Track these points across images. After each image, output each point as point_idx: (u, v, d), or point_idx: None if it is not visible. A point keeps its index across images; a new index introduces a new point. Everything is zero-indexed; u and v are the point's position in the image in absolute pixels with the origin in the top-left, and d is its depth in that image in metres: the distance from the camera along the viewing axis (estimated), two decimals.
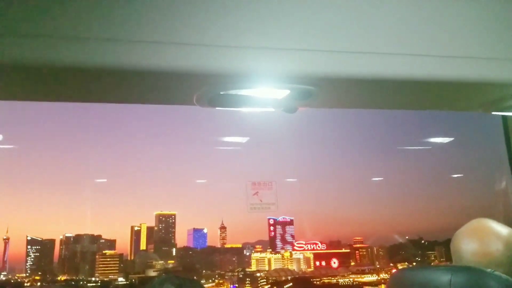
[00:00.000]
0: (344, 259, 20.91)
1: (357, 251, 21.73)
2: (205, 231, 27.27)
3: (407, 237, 27.16)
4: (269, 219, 21.36)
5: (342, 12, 0.91)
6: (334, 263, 20.34)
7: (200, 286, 1.03)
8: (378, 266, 21.35)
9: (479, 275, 0.99)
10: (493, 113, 1.18)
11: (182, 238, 26.42)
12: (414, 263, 22.06)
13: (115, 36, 0.78)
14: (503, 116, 1.73)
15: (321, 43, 0.88)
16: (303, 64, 0.86)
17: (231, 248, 23.79)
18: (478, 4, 0.99)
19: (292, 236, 21.09)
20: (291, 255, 19.80)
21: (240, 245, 24.17)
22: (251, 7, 0.86)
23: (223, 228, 26.09)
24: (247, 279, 18.58)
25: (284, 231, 21.23)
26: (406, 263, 21.73)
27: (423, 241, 25.28)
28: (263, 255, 20.22)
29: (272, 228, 21.17)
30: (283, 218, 21.36)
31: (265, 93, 0.95)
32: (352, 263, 21.18)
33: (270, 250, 20.46)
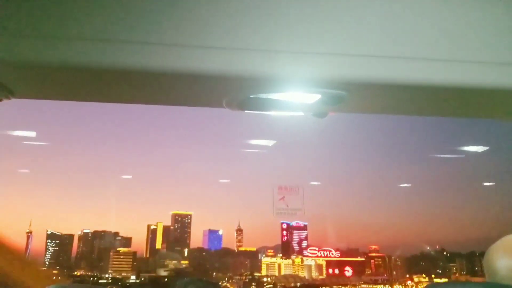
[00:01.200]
0: (358, 267, 20.39)
1: (372, 260, 21.13)
2: (220, 232, 27.38)
3: (428, 248, 26.39)
4: (282, 223, 21.13)
5: (374, 17, 0.91)
6: (348, 271, 19.87)
7: None
8: (393, 276, 20.65)
9: None
10: None
11: (197, 238, 26.66)
12: (433, 275, 21.26)
13: (151, 39, 0.81)
14: None
15: (353, 48, 0.89)
16: (334, 68, 0.87)
17: (245, 251, 23.72)
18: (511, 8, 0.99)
19: (305, 242, 20.76)
20: (302, 261, 19.49)
21: (254, 249, 24.06)
22: (282, 11, 0.87)
23: (239, 230, 26.09)
24: (253, 283, 18.39)
25: (297, 237, 20.92)
26: (424, 274, 20.96)
27: (445, 253, 24.42)
28: (273, 260, 20.03)
29: (285, 232, 20.92)
30: (297, 223, 21.07)
31: (295, 97, 0.95)
32: (368, 272, 20.60)
33: (281, 255, 20.20)
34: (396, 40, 0.91)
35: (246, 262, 21.78)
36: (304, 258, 19.44)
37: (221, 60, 0.83)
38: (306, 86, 0.90)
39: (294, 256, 19.74)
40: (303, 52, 0.86)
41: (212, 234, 26.67)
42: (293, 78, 0.86)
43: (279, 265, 19.60)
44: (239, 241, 25.65)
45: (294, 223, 21.16)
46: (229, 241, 25.69)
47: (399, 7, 0.94)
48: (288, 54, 0.86)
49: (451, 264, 22.39)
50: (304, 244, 20.75)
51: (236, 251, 23.93)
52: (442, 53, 0.93)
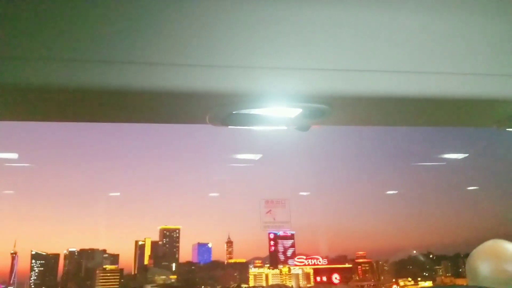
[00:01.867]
0: (346, 274, 20.50)
1: (359, 266, 21.29)
2: (209, 245, 27.16)
3: (415, 252, 26.61)
4: (269, 233, 21.15)
5: (353, 31, 0.92)
6: (336, 278, 19.96)
7: None
8: (379, 281, 20.82)
9: None
10: (508, 129, 1.20)
11: (187, 252, 26.42)
12: (419, 278, 21.49)
13: (132, 59, 0.81)
14: None
15: (333, 62, 0.89)
16: (314, 83, 0.88)
17: (235, 263, 23.59)
18: (492, 20, 1.00)
19: (293, 251, 20.83)
20: (289, 270, 19.53)
21: (244, 260, 23.96)
22: (262, 27, 0.88)
23: (229, 242, 25.95)
24: None
25: (285, 246, 20.98)
26: (409, 278, 21.19)
27: (431, 256, 24.66)
28: (261, 270, 20.01)
29: (272, 242, 20.95)
30: (284, 232, 21.13)
31: (277, 112, 0.97)
32: (356, 278, 20.74)
33: (268, 265, 20.22)
34: (374, 54, 0.92)
35: (235, 274, 21.70)
36: (292, 267, 19.48)
37: (203, 77, 0.83)
38: (287, 101, 0.90)
39: (281, 266, 19.77)
40: (283, 68, 0.87)
41: (201, 247, 26.45)
42: (274, 93, 0.87)
43: (267, 276, 19.61)
44: (229, 253, 25.49)
45: (281, 233, 21.21)
46: (219, 253, 25.50)
47: (376, 22, 0.95)
48: (268, 70, 0.86)
49: (437, 267, 22.65)
50: (292, 253, 20.82)
51: (226, 263, 23.84)
52: (421, 65, 0.94)
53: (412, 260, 24.12)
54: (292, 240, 21.62)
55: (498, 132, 1.32)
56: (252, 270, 20.11)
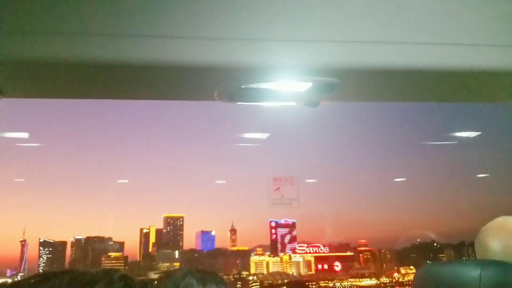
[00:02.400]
0: (347, 262, 20.55)
1: (361, 254, 21.31)
2: (213, 233, 27.49)
3: (419, 240, 26.54)
4: (270, 221, 21.29)
5: (363, 2, 0.91)
6: (337, 266, 20.03)
7: (220, 278, 1.05)
8: (381, 269, 20.84)
9: (509, 269, 1.01)
10: None
11: (191, 240, 26.78)
12: (412, 266, 21.47)
13: (135, 31, 0.80)
14: None
15: (343, 34, 0.89)
16: (325, 55, 0.87)
17: (238, 251, 23.84)
18: None
19: (294, 239, 20.94)
20: (290, 258, 19.64)
21: (247, 248, 24.19)
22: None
23: (233, 230, 26.21)
24: (238, 282, 18.54)
25: (286, 234, 21.10)
26: (411, 266, 21.16)
27: (435, 244, 24.61)
28: (262, 258, 20.15)
29: (273, 231, 21.08)
30: (285, 220, 21.24)
31: (286, 87, 0.95)
32: (357, 266, 20.79)
33: (269, 253, 20.36)
34: (386, 25, 0.91)
35: (238, 262, 21.94)
36: (292, 255, 19.59)
37: (211, 50, 0.82)
38: (297, 75, 0.89)
39: (282, 254, 19.91)
40: (293, 40, 0.86)
41: (205, 235, 26.80)
42: (283, 67, 0.86)
43: (267, 263, 19.74)
44: (233, 241, 25.78)
45: (282, 221, 21.32)
46: (223, 241, 25.80)
47: None
48: (278, 42, 0.86)
49: (440, 255, 22.58)
50: (293, 241, 20.93)
51: (229, 251, 24.11)
52: (433, 36, 0.93)
53: (416, 248, 24.12)
54: (294, 228, 21.78)
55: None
56: (253, 258, 20.26)
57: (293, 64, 0.85)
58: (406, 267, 20.81)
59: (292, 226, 21.24)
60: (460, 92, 1.10)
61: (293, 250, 20.39)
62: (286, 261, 19.46)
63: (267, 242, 22.55)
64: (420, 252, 23.68)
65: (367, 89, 1.02)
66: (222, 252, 24.28)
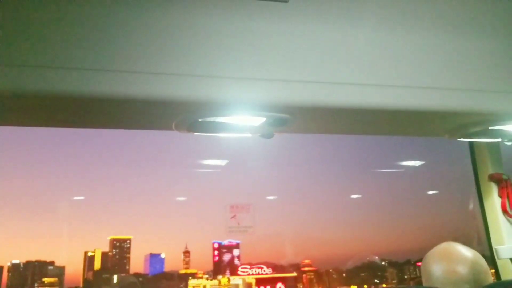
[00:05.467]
0: (290, 283, 20.41)
1: (304, 275, 21.23)
2: (162, 256, 26.80)
3: (368, 259, 26.81)
4: (213, 243, 20.98)
5: (314, 45, 0.97)
6: (280, 287, 19.84)
7: None
8: None
9: None
10: (458, 139, 1.26)
11: (140, 263, 25.94)
12: (365, 286, 21.61)
13: (97, 65, 0.82)
14: (469, 141, 1.82)
15: (295, 74, 0.94)
16: (277, 93, 0.92)
17: (185, 274, 23.30)
18: (444, 37, 1.06)
19: (238, 260, 20.66)
20: (229, 280, 19.33)
21: (195, 271, 23.68)
22: (228, 39, 0.91)
23: (187, 252, 25.66)
24: None
25: (229, 255, 20.81)
26: (355, 286, 21.25)
27: (383, 263, 24.90)
28: (199, 281, 19.76)
29: (216, 252, 20.75)
30: (229, 241, 20.97)
31: (242, 120, 0.99)
32: (300, 287, 20.68)
33: (207, 276, 20.00)
34: (333, 67, 0.96)
35: (181, 285, 21.38)
36: (231, 278, 19.31)
37: (170, 85, 0.85)
38: (251, 110, 0.94)
39: (221, 276, 19.58)
40: (248, 78, 0.90)
41: (154, 258, 26.07)
42: (239, 102, 0.90)
43: (204, 286, 19.38)
44: (186, 263, 25.21)
45: (226, 242, 21.06)
46: (175, 264, 25.18)
47: (335, 37, 0.98)
48: (234, 80, 0.89)
49: (386, 273, 22.84)
50: (236, 262, 20.66)
51: (176, 274, 23.49)
52: (377, 79, 0.98)
53: (365, 267, 24.33)
54: (238, 249, 21.52)
55: (449, 141, 1.37)
56: (192, 282, 19.84)
57: (247, 100, 0.90)
58: (345, 286, 20.90)
59: (236, 247, 21.02)
60: (403, 127, 1.18)
61: (235, 272, 20.11)
62: (225, 284, 19.13)
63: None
64: (369, 271, 23.90)
65: (317, 124, 1.09)
66: (169, 276, 23.63)
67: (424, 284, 1.23)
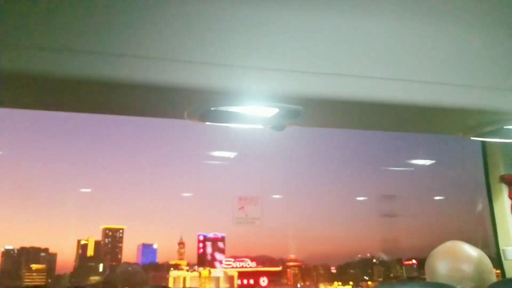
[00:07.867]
0: (274, 277, 20.39)
1: (289, 269, 21.18)
2: (155, 246, 27.06)
3: (359, 256, 26.66)
4: (198, 235, 21.06)
5: (331, 36, 0.95)
6: (264, 281, 19.85)
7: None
8: (306, 284, 20.74)
9: None
10: (472, 138, 1.25)
11: (133, 253, 26.22)
12: (351, 282, 21.49)
13: (110, 49, 0.81)
14: (482, 141, 1.80)
15: (310, 65, 0.93)
16: (291, 84, 0.91)
17: (175, 264, 23.50)
18: (462, 34, 1.04)
19: (222, 253, 20.72)
20: (209, 273, 19.40)
21: (185, 262, 23.87)
22: (244, 28, 0.91)
23: (181, 243, 25.86)
24: None
25: (214, 248, 20.87)
26: (339, 282, 21.16)
27: (374, 260, 24.73)
28: (180, 273, 19.88)
29: (201, 245, 20.84)
30: (214, 234, 21.03)
31: (254, 111, 0.99)
32: (284, 281, 20.64)
33: (187, 268, 20.11)
34: (349, 60, 0.96)
35: (167, 276, 21.58)
36: (212, 270, 19.39)
37: (184, 72, 0.85)
38: (264, 100, 0.94)
39: (202, 268, 19.67)
40: (263, 68, 0.91)
41: (146, 248, 26.34)
42: (252, 92, 0.90)
43: (184, 278, 19.49)
44: (181, 254, 25.41)
45: (211, 235, 21.13)
46: (171, 255, 25.36)
47: (351, 29, 0.98)
48: (248, 69, 0.90)
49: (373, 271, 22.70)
50: (221, 255, 20.72)
51: (166, 265, 23.71)
52: (393, 73, 0.98)
53: (355, 264, 24.24)
54: (223, 242, 21.56)
55: (463, 140, 1.36)
56: (173, 273, 19.98)
57: (261, 91, 0.90)
58: (325, 283, 20.80)
59: (221, 240, 21.06)
60: (416, 124, 1.15)
61: (220, 265, 20.18)
62: (205, 277, 19.21)
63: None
64: (359, 268, 23.77)
65: (329, 117, 1.07)
66: (160, 266, 23.86)
67: (428, 281, 1.23)
